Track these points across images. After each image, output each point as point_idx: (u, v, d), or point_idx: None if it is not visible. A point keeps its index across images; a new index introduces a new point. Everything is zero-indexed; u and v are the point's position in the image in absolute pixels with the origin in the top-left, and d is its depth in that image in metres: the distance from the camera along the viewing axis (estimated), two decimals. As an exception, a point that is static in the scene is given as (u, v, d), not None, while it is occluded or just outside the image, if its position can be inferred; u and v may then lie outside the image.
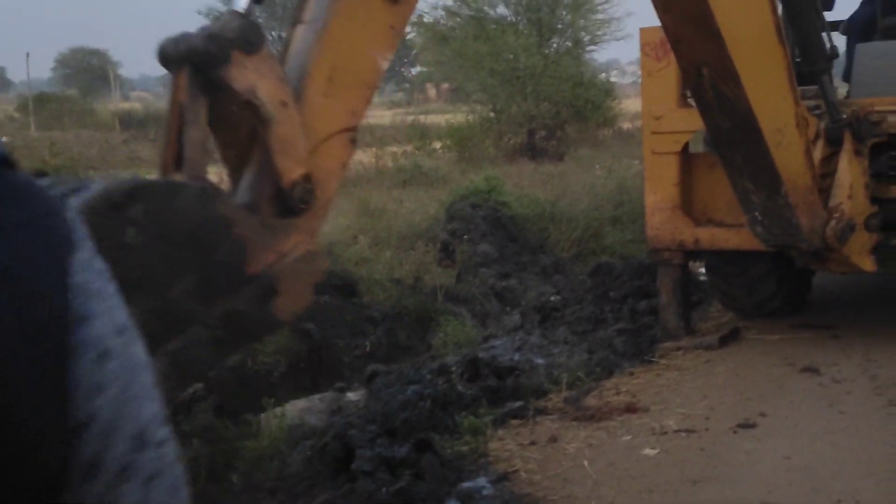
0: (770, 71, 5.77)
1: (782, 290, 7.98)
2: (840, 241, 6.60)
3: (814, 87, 6.78)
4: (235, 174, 3.40)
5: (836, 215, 6.60)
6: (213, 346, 3.11)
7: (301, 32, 3.53)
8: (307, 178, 3.35)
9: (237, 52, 3.15)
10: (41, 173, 3.03)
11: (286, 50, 3.53)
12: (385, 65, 3.63)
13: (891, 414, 5.81)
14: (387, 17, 3.59)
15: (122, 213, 2.77)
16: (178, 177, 3.12)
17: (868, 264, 7.00)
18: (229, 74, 3.15)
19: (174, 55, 3.19)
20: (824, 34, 6.52)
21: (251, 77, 3.18)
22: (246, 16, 3.27)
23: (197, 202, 2.97)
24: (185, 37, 3.19)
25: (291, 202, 3.33)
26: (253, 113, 3.23)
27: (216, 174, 3.64)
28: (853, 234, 6.71)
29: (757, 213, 6.34)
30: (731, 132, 5.87)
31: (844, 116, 6.69)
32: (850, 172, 6.72)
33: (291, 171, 3.30)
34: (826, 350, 7.19)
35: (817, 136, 6.61)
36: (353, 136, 3.55)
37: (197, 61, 3.14)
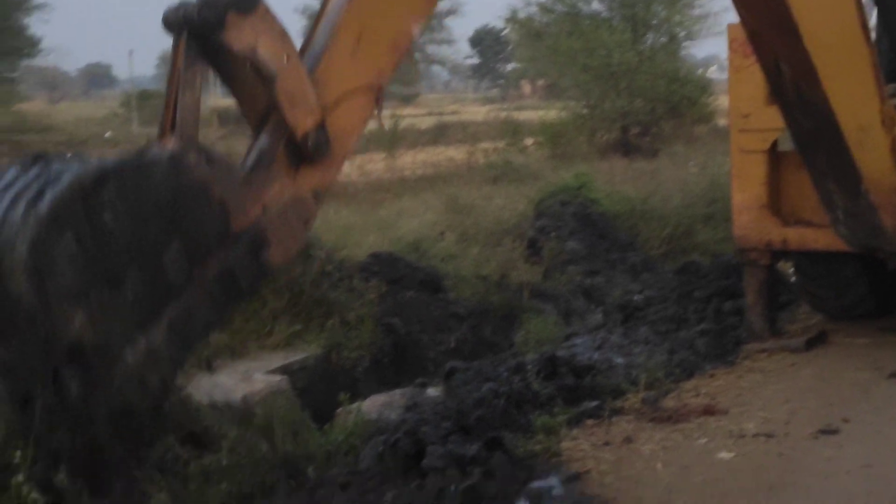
0: (853, 69, 5.59)
1: (874, 293, 7.75)
2: (929, 244, 6.38)
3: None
4: (258, 133, 3.42)
5: (924, 217, 6.37)
6: (211, 307, 3.14)
7: None
8: (321, 126, 3.37)
9: (232, 13, 3.14)
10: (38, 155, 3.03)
11: (322, 11, 3.56)
12: (417, 30, 3.65)
13: (982, 423, 5.61)
14: None
15: (96, 200, 2.81)
16: (169, 140, 3.14)
17: (959, 268, 6.75)
18: (227, 38, 3.15)
19: (174, 21, 3.22)
20: None
21: (249, 37, 3.18)
22: None
23: (168, 173, 2.99)
24: (183, 4, 3.20)
25: (307, 152, 3.36)
26: (257, 72, 3.24)
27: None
28: (943, 236, 6.47)
29: (839, 214, 6.17)
30: (812, 132, 5.72)
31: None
32: (940, 172, 6.49)
33: (303, 121, 3.33)
34: (917, 356, 6.96)
35: (906, 134, 6.39)
36: (377, 94, 3.56)
37: (193, 28, 3.16)
